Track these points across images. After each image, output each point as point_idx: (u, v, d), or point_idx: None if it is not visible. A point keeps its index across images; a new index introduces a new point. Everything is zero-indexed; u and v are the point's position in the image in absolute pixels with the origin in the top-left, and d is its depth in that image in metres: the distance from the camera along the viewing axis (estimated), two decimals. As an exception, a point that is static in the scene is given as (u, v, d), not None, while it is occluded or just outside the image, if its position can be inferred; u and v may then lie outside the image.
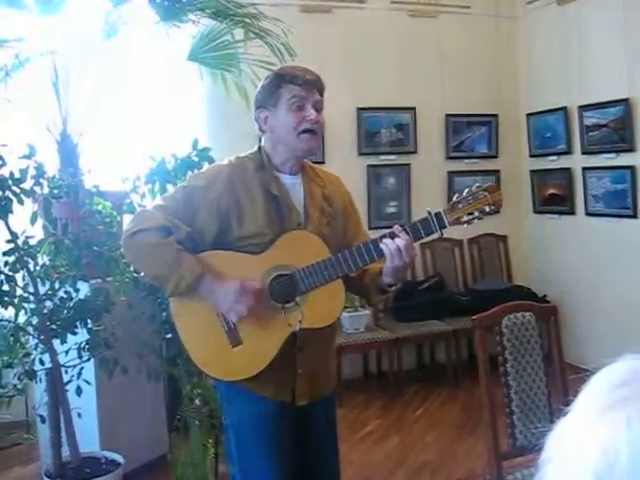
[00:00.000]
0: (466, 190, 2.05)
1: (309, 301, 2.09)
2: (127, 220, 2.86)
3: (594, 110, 5.17)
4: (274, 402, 2.15)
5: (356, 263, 2.06)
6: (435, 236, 2.09)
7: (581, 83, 5.31)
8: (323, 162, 4.96)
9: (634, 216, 4.94)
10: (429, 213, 2.04)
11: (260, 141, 2.25)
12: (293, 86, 2.12)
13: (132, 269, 2.78)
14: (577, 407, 0.67)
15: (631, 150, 4.92)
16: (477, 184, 2.07)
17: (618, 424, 0.60)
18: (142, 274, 2.26)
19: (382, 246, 2.03)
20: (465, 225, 2.05)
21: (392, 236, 2.03)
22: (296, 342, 2.12)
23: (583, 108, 5.26)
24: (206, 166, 2.24)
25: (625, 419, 0.60)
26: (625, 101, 4.88)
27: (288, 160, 2.20)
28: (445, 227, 2.04)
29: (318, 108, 2.16)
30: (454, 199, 2.05)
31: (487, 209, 2.04)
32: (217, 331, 2.10)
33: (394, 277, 2.10)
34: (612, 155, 5.08)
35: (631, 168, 4.93)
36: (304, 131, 2.12)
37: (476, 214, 2.04)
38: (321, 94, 2.19)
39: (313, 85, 2.15)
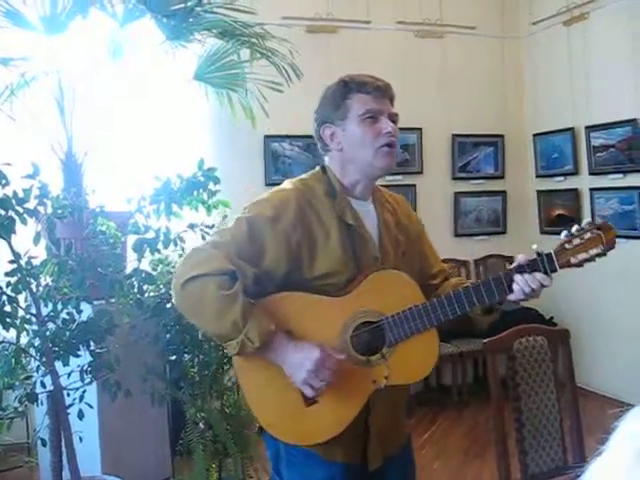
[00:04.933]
0: (575, 227, 1.81)
1: (397, 353, 1.81)
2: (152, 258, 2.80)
3: (601, 131, 5.15)
4: (344, 465, 1.86)
5: (454, 311, 1.81)
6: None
7: (588, 104, 5.29)
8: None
9: (643, 237, 4.90)
10: (538, 254, 1.80)
11: (324, 161, 1.98)
12: (362, 95, 1.86)
13: (135, 290, 2.75)
14: (613, 448, 0.62)
15: (639, 171, 4.89)
16: (587, 220, 1.83)
17: None
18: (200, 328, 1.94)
19: (515, 284, 1.78)
20: (575, 268, 1.81)
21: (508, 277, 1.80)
22: (372, 395, 1.83)
23: (590, 129, 5.25)
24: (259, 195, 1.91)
25: None
26: (632, 121, 4.86)
27: (359, 182, 1.91)
28: (555, 271, 1.79)
29: (393, 120, 1.89)
30: (563, 237, 1.81)
31: (600, 250, 1.79)
32: (287, 388, 1.77)
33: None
34: (619, 176, 5.06)
35: (639, 189, 4.90)
36: (382, 146, 1.85)
37: (587, 256, 1.79)
38: (392, 104, 1.92)
39: (385, 93, 1.89)
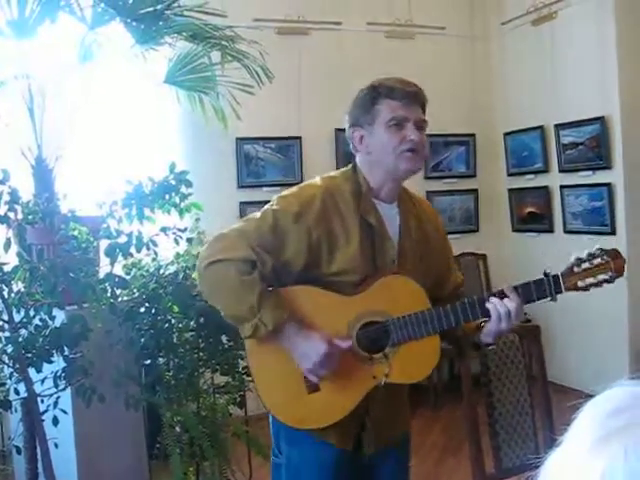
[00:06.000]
0: (585, 252, 1.88)
1: (399, 354, 1.90)
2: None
3: (570, 128, 5.22)
4: (337, 450, 1.96)
5: (458, 319, 1.89)
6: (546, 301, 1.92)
7: (557, 102, 5.36)
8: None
9: (612, 233, 4.97)
10: (546, 275, 1.88)
11: (355, 159, 2.04)
12: (391, 101, 1.91)
13: (109, 295, 2.74)
14: (571, 437, 0.64)
15: (607, 167, 4.97)
16: (597, 247, 1.89)
17: (615, 456, 0.58)
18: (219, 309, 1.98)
19: (489, 306, 1.87)
20: (582, 291, 1.88)
21: (501, 296, 1.88)
22: (372, 389, 1.92)
23: (559, 127, 5.31)
24: (294, 189, 2.01)
25: (622, 450, 0.58)
26: (600, 119, 4.93)
27: (385, 184, 1.97)
28: (560, 292, 1.88)
29: (420, 127, 1.94)
30: (572, 261, 1.87)
31: (607, 276, 1.86)
32: (293, 374, 1.89)
33: (494, 338, 1.94)
34: (589, 173, 5.13)
35: (608, 185, 4.98)
36: (404, 151, 1.90)
37: (594, 281, 1.86)
38: (423, 109, 1.97)
39: (414, 99, 1.93)
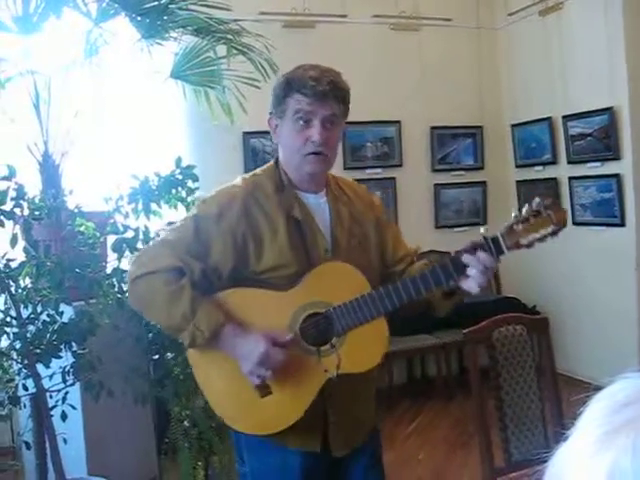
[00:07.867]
0: (525, 208, 1.77)
1: (347, 342, 1.83)
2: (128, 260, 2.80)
3: (578, 120, 5.19)
4: (302, 453, 1.90)
5: (401, 299, 1.80)
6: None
7: (564, 93, 5.33)
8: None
9: (621, 224, 4.95)
10: (484, 238, 1.78)
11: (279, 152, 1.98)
12: (300, 96, 1.83)
13: (116, 290, 2.74)
14: (578, 432, 0.63)
15: (616, 158, 4.94)
16: (537, 200, 1.78)
17: (623, 450, 0.57)
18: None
19: (466, 260, 1.77)
20: (525, 249, 1.79)
21: (459, 261, 1.80)
22: (327, 385, 1.84)
23: (567, 118, 5.28)
24: (216, 189, 1.96)
25: (631, 444, 0.57)
26: (609, 110, 4.90)
27: (302, 178, 1.92)
28: (503, 253, 1.79)
29: (329, 123, 1.85)
30: (512, 219, 1.78)
31: (550, 229, 1.76)
32: (243, 380, 1.81)
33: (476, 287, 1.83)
34: (597, 164, 5.10)
35: (617, 176, 4.95)
36: (308, 154, 1.85)
37: (537, 236, 1.77)
38: (343, 102, 1.89)
39: (325, 97, 1.83)
